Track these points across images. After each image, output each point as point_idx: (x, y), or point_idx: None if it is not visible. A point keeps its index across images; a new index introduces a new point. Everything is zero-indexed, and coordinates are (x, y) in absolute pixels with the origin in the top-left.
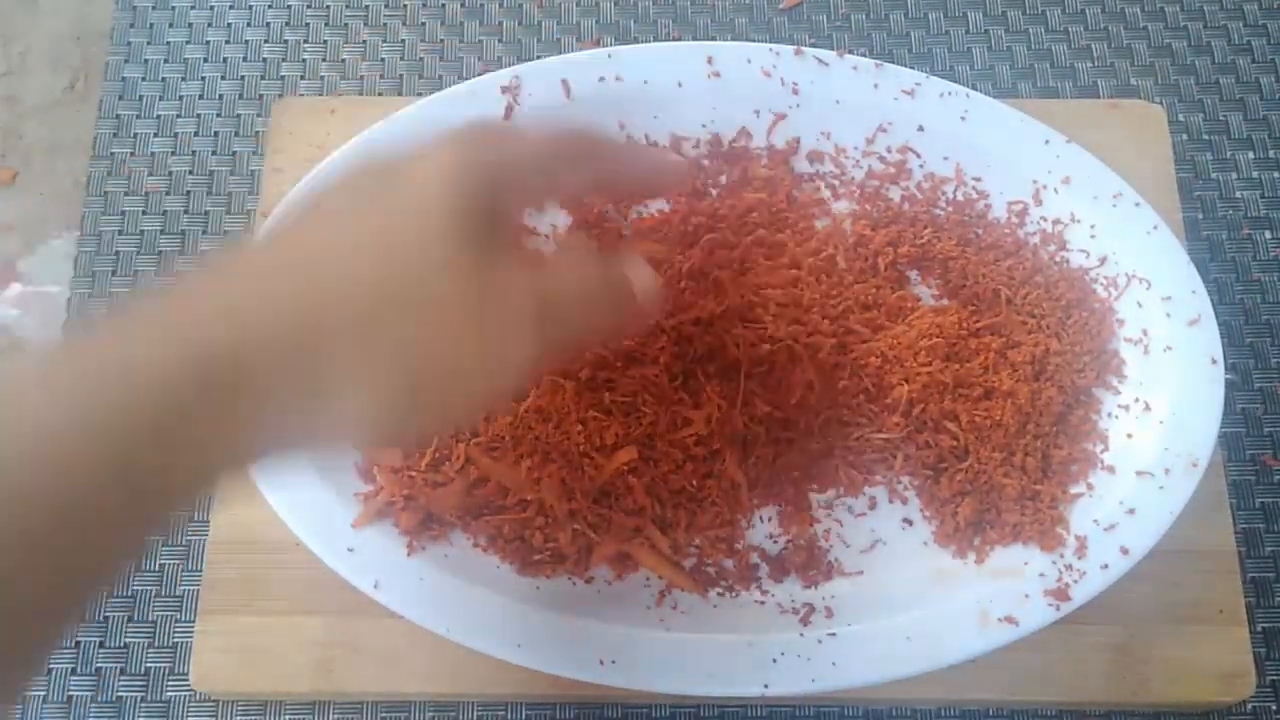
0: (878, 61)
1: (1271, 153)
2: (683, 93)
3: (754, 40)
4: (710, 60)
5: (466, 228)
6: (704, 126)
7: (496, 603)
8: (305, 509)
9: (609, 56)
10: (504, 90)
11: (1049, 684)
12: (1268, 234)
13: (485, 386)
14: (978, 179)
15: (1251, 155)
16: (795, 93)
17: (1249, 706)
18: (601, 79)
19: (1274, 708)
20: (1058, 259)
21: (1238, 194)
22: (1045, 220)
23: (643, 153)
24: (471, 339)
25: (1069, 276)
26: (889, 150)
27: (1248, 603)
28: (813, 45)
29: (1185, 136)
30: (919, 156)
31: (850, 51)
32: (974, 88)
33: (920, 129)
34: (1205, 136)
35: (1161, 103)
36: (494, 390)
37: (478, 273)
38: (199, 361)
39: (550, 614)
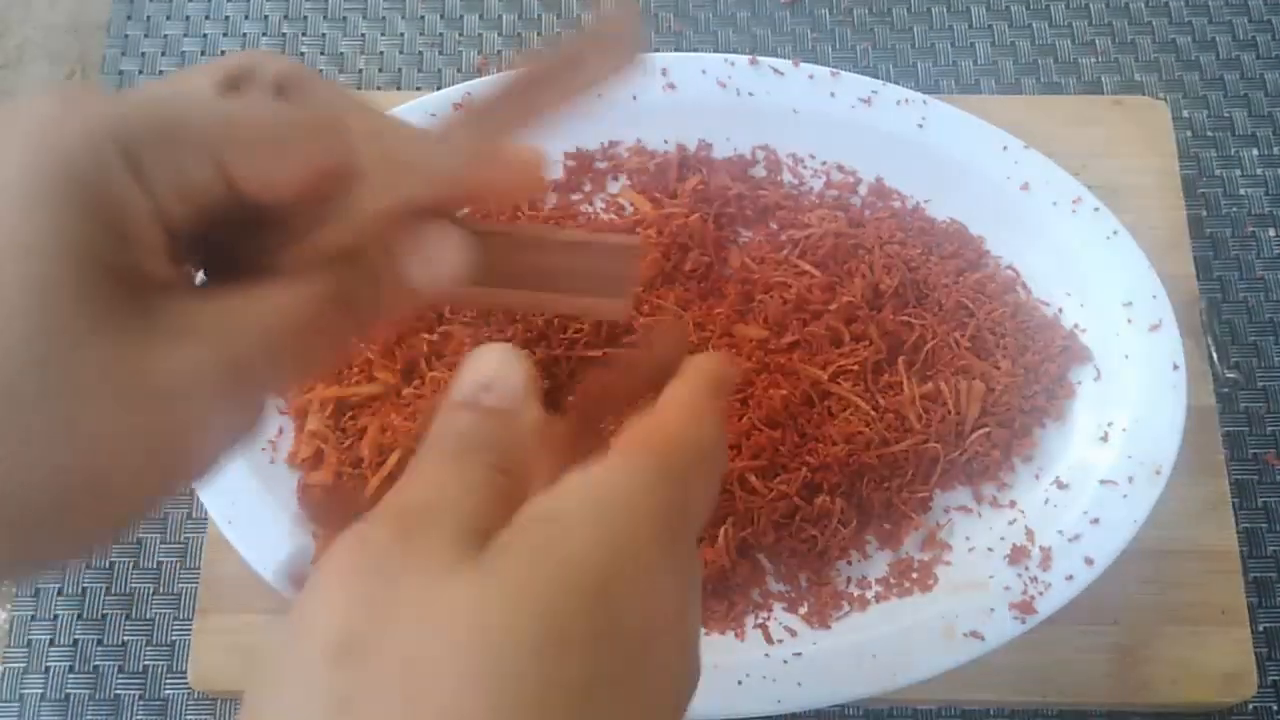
0: (834, 70)
1: (1276, 150)
2: (638, 106)
3: (757, 35)
4: (665, 72)
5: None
6: (665, 141)
7: None
8: (265, 545)
9: None
10: (457, 107)
11: (1050, 684)
12: (1271, 231)
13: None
14: (934, 186)
15: (1256, 152)
16: (751, 103)
17: (1250, 707)
18: None
19: (1275, 708)
20: (1015, 267)
21: (1242, 191)
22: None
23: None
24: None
25: (1008, 283)
26: (847, 159)
27: (1249, 603)
28: (815, 40)
29: (1189, 133)
30: (876, 164)
31: (852, 49)
32: (977, 84)
33: (878, 137)
34: (1209, 133)
35: (1165, 99)
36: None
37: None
38: None
39: None
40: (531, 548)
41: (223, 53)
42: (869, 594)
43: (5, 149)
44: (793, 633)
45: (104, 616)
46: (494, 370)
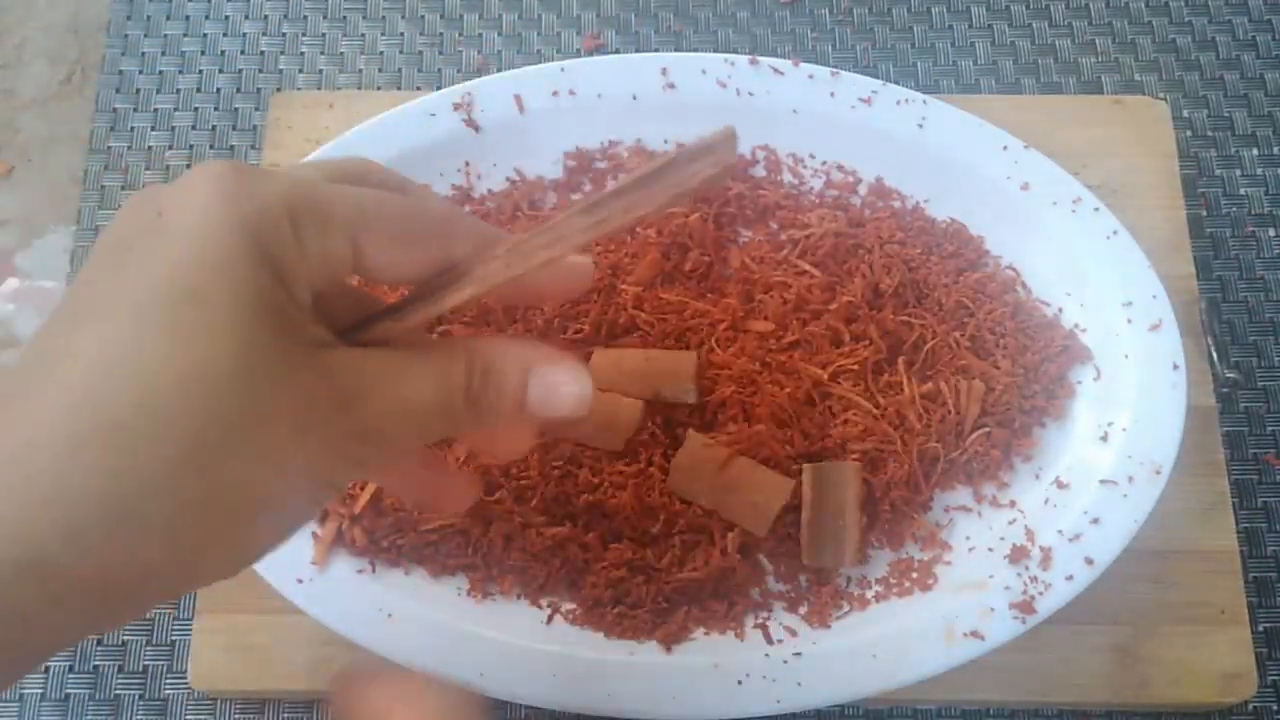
0: (834, 70)
1: (1276, 149)
2: (638, 105)
3: (757, 34)
4: (665, 72)
5: (264, 290)
6: (665, 141)
7: (458, 630)
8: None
9: (562, 70)
10: (456, 107)
11: (1050, 684)
12: (1272, 231)
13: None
14: (934, 185)
15: (1256, 152)
16: (751, 103)
17: (1250, 707)
18: (555, 93)
19: (1275, 708)
20: (1015, 267)
21: (1242, 191)
22: (1007, 227)
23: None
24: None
25: (1008, 283)
26: (847, 159)
27: (1249, 603)
28: (815, 40)
29: (1189, 133)
30: (876, 164)
31: (852, 49)
32: (977, 84)
33: (878, 137)
34: (1209, 133)
35: (1165, 99)
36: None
37: (286, 368)
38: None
39: (514, 639)
40: None
41: (222, 53)
42: (869, 594)
43: (201, 214)
44: (793, 633)
45: None
46: None
